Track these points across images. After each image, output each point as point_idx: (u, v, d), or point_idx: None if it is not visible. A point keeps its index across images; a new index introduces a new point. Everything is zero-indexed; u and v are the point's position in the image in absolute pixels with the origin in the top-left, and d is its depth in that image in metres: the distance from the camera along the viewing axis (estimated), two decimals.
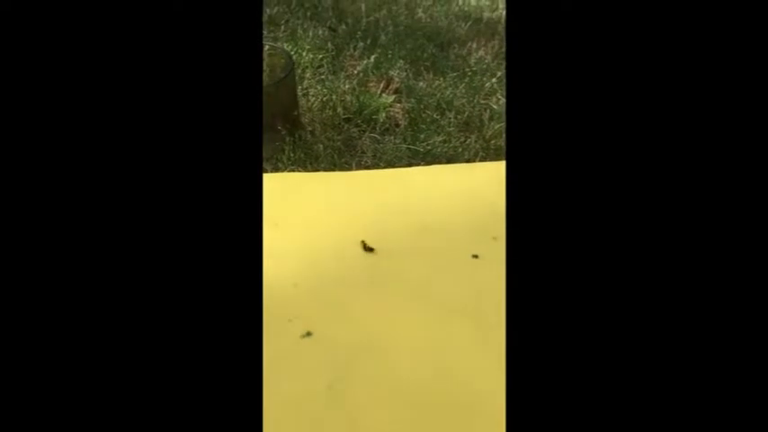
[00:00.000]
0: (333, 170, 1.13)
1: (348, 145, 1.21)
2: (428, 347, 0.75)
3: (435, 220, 0.96)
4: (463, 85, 1.37)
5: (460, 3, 1.77)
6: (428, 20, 1.68)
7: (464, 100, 1.33)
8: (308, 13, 1.66)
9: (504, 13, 1.68)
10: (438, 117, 1.27)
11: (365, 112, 1.27)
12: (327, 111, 1.28)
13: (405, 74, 1.41)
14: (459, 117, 1.27)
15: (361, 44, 1.50)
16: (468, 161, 1.15)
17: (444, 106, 1.31)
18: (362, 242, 0.88)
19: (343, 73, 1.42)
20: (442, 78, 1.40)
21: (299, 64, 1.41)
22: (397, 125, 1.27)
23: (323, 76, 1.40)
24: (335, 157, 1.16)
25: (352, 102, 1.30)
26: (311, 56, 1.45)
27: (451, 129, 1.24)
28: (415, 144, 1.20)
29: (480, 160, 1.16)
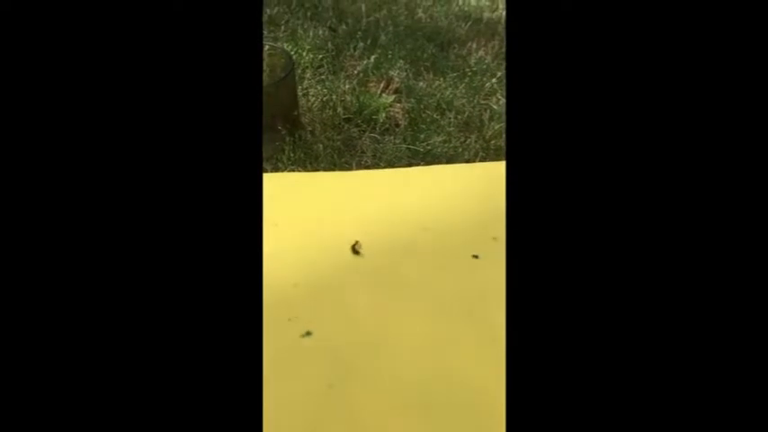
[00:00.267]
0: (333, 170, 1.13)
1: (348, 145, 1.21)
2: (428, 347, 0.75)
3: (435, 219, 0.96)
4: (463, 85, 1.37)
5: (460, 3, 1.77)
6: (428, 20, 1.68)
7: (464, 100, 1.33)
8: (309, 14, 1.66)
9: (504, 13, 1.68)
10: (438, 117, 1.28)
11: (365, 112, 1.27)
12: (327, 111, 1.28)
13: (405, 74, 1.41)
14: (459, 117, 1.27)
15: (361, 44, 1.51)
16: (468, 161, 1.15)
17: (444, 106, 1.31)
18: (353, 245, 0.88)
19: (343, 73, 1.42)
20: (442, 78, 1.41)
21: (300, 64, 1.41)
22: (397, 125, 1.27)
23: (323, 76, 1.40)
24: (335, 156, 1.16)
25: (352, 102, 1.30)
26: (311, 56, 1.45)
27: (451, 129, 1.24)
28: (415, 144, 1.20)
29: (480, 160, 1.16)
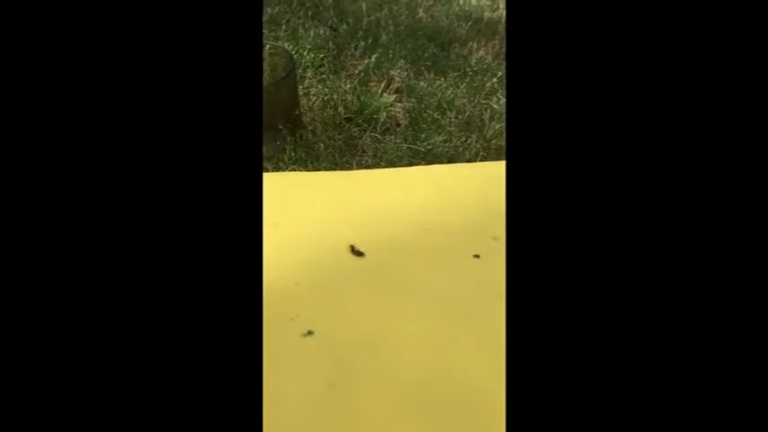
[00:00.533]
0: (334, 169, 1.13)
1: (349, 144, 1.21)
2: (429, 347, 0.75)
3: (436, 219, 0.96)
4: (464, 84, 1.37)
5: (461, 2, 1.77)
6: (429, 20, 1.68)
7: (465, 100, 1.33)
8: (310, 13, 1.66)
9: (505, 12, 1.68)
10: (439, 117, 1.28)
11: (366, 111, 1.27)
12: (328, 110, 1.28)
13: (405, 73, 1.41)
14: (459, 117, 1.27)
15: (362, 44, 1.51)
16: (468, 161, 1.16)
17: (445, 106, 1.31)
18: (354, 245, 0.88)
19: (344, 72, 1.42)
20: (442, 78, 1.41)
21: (300, 63, 1.41)
22: (398, 125, 1.27)
23: (324, 76, 1.40)
24: (336, 156, 1.16)
25: (352, 101, 1.30)
26: (312, 55, 1.45)
27: (452, 128, 1.24)
28: (415, 144, 1.20)
29: (481, 160, 1.16)
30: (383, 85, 1.38)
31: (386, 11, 1.70)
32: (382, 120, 1.26)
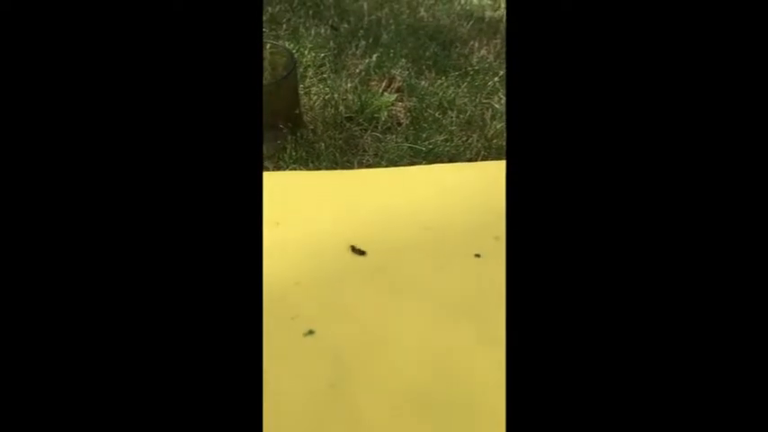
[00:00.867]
0: (334, 169, 1.13)
1: (350, 144, 1.21)
2: (430, 346, 0.75)
3: (437, 219, 0.96)
4: (465, 84, 1.37)
5: (463, 2, 1.77)
6: (430, 19, 1.68)
7: (466, 99, 1.33)
8: (310, 12, 1.66)
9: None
10: (440, 116, 1.28)
11: (367, 110, 1.27)
12: (329, 109, 1.28)
13: (407, 73, 1.41)
14: (461, 116, 1.27)
15: (363, 43, 1.51)
16: (470, 160, 1.16)
17: (446, 105, 1.31)
18: (355, 244, 0.88)
19: (344, 72, 1.42)
20: (444, 77, 1.41)
21: (301, 62, 1.41)
22: (399, 124, 1.27)
23: (325, 75, 1.40)
24: (337, 155, 1.16)
25: (353, 100, 1.30)
26: (313, 54, 1.45)
27: (453, 128, 1.24)
28: (416, 143, 1.20)
29: (482, 159, 1.16)
30: (384, 84, 1.38)
31: (387, 10, 1.70)
32: (383, 119, 1.26)
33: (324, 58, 1.45)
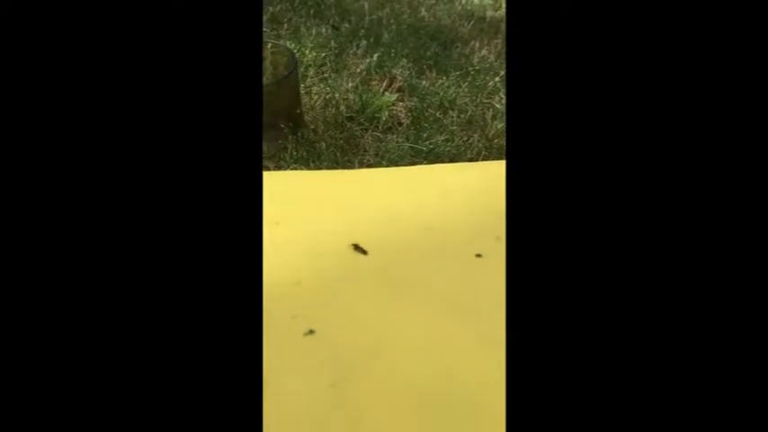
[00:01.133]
0: (335, 168, 1.13)
1: (350, 143, 1.21)
2: (431, 346, 0.75)
3: (438, 218, 0.96)
4: (466, 83, 1.37)
5: (464, 1, 1.77)
6: (431, 18, 1.68)
7: (467, 99, 1.33)
8: (311, 11, 1.66)
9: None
10: (441, 116, 1.27)
11: (368, 110, 1.27)
12: (330, 109, 1.28)
13: (407, 72, 1.41)
14: (462, 116, 1.27)
15: (363, 42, 1.50)
16: (470, 160, 1.15)
17: (447, 105, 1.31)
18: (356, 244, 0.88)
19: (345, 71, 1.42)
20: (444, 77, 1.40)
21: (302, 62, 1.41)
22: (400, 124, 1.27)
23: (326, 75, 1.40)
24: (338, 155, 1.16)
25: (354, 100, 1.30)
26: (314, 54, 1.45)
27: (454, 128, 1.24)
28: (417, 143, 1.20)
29: (483, 159, 1.16)
30: (385, 84, 1.38)
31: (388, 9, 1.70)
32: (384, 119, 1.26)
33: (325, 57, 1.45)
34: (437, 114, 1.28)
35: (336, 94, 1.32)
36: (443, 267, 0.86)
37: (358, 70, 1.42)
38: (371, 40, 1.52)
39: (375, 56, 1.45)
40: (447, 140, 1.20)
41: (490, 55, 1.52)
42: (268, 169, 1.11)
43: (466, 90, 1.35)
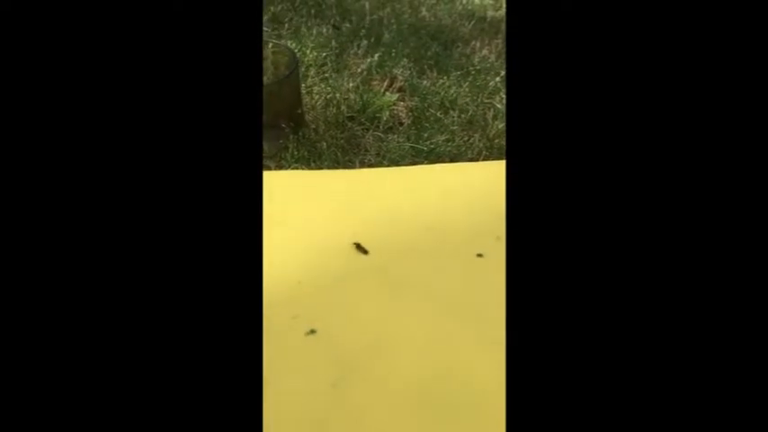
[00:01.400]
0: (336, 168, 1.13)
1: (351, 143, 1.21)
2: (432, 346, 0.75)
3: (439, 218, 0.96)
4: (467, 83, 1.37)
5: (464, 1, 1.77)
6: (432, 18, 1.68)
7: (468, 99, 1.33)
8: (312, 11, 1.66)
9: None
10: (442, 116, 1.28)
11: (369, 110, 1.27)
12: (331, 109, 1.28)
13: (408, 72, 1.41)
14: (462, 116, 1.27)
15: (364, 42, 1.51)
16: (471, 160, 1.16)
17: (448, 105, 1.31)
18: (357, 244, 0.88)
19: (346, 71, 1.42)
20: (445, 77, 1.40)
21: (303, 62, 1.41)
22: (401, 123, 1.27)
23: (326, 75, 1.40)
24: (339, 155, 1.16)
25: (355, 100, 1.30)
26: (315, 54, 1.45)
27: (455, 127, 1.24)
28: (418, 143, 1.20)
29: (484, 159, 1.16)
30: (386, 83, 1.38)
31: (389, 9, 1.70)
32: (385, 118, 1.26)
33: (326, 57, 1.45)
34: (438, 114, 1.28)
35: (337, 94, 1.32)
36: (444, 267, 0.86)
37: (359, 70, 1.42)
38: (372, 39, 1.52)
39: (376, 56, 1.45)
40: (448, 140, 1.20)
41: (491, 55, 1.52)
42: (269, 169, 1.11)
43: (467, 90, 1.35)
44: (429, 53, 1.50)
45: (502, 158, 1.16)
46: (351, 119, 1.27)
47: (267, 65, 1.23)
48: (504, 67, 1.46)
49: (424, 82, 1.40)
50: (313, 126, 1.24)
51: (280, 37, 1.53)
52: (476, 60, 1.49)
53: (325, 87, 1.35)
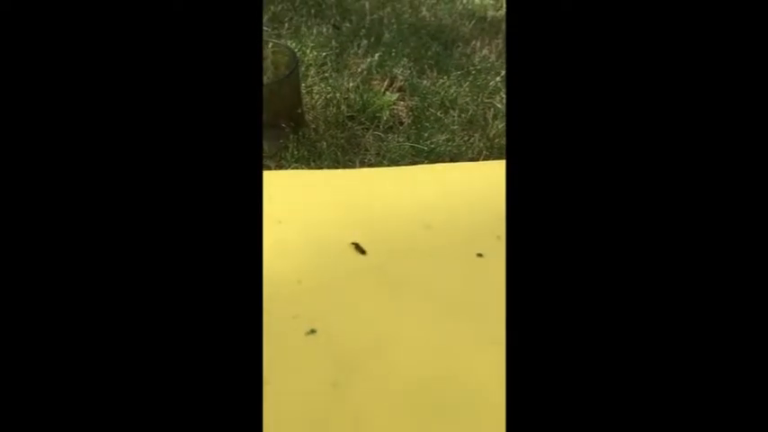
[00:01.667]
0: (336, 168, 1.13)
1: (351, 143, 1.21)
2: (432, 345, 0.75)
3: (439, 218, 0.96)
4: (467, 83, 1.37)
5: (465, 1, 1.77)
6: (432, 18, 1.68)
7: (468, 98, 1.33)
8: (312, 11, 1.66)
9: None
10: (442, 115, 1.27)
11: (369, 110, 1.27)
12: (331, 108, 1.28)
13: (408, 72, 1.41)
14: (462, 115, 1.27)
15: (364, 42, 1.50)
16: (471, 160, 1.16)
17: (448, 104, 1.31)
18: (357, 243, 0.88)
19: (346, 71, 1.42)
20: (445, 77, 1.40)
21: (303, 61, 1.41)
22: (401, 123, 1.27)
23: (327, 74, 1.40)
24: (339, 154, 1.16)
25: (355, 100, 1.30)
26: (315, 53, 1.45)
27: (455, 127, 1.24)
28: (418, 142, 1.20)
29: (484, 159, 1.16)
30: (386, 83, 1.38)
31: (389, 9, 1.70)
32: (385, 118, 1.26)
33: (326, 57, 1.45)
34: (438, 114, 1.28)
35: (337, 94, 1.32)
36: (444, 267, 0.86)
37: (359, 70, 1.42)
38: (372, 39, 1.52)
39: (376, 55, 1.45)
40: (448, 140, 1.20)
41: (491, 55, 1.52)
42: (269, 168, 1.11)
43: (467, 90, 1.35)
44: (429, 53, 1.50)
45: (502, 158, 1.16)
46: (351, 118, 1.27)
47: (267, 64, 1.23)
48: (505, 66, 1.46)
49: (425, 82, 1.40)
50: (313, 126, 1.24)
51: (280, 37, 1.53)
52: (476, 60, 1.49)
53: (325, 87, 1.35)
